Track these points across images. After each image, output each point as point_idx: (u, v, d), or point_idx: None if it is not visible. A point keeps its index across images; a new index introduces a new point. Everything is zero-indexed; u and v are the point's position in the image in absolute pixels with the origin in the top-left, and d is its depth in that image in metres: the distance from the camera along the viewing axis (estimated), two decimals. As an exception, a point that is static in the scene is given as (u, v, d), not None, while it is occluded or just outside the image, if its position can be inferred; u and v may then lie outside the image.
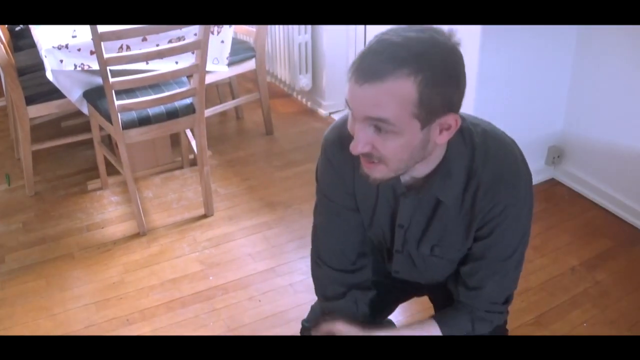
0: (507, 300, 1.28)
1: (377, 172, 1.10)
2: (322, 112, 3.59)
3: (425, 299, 1.58)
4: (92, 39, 2.17)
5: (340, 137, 1.21)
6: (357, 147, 1.06)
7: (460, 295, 1.27)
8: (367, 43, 1.04)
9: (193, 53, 2.48)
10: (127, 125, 2.44)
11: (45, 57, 2.45)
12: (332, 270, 1.36)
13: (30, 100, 2.66)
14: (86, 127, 2.89)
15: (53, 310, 2.20)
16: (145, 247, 2.52)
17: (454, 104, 1.05)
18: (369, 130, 1.04)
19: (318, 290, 1.42)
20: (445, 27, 1.05)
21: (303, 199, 2.78)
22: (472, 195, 1.16)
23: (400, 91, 0.99)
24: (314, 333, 1.35)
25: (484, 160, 1.15)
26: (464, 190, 1.16)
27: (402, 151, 1.06)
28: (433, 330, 1.26)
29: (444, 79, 1.01)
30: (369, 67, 1.00)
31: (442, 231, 1.23)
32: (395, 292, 1.51)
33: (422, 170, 1.16)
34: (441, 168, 1.15)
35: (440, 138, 1.07)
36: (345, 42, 3.42)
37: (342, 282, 1.36)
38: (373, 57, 1.00)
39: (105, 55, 2.22)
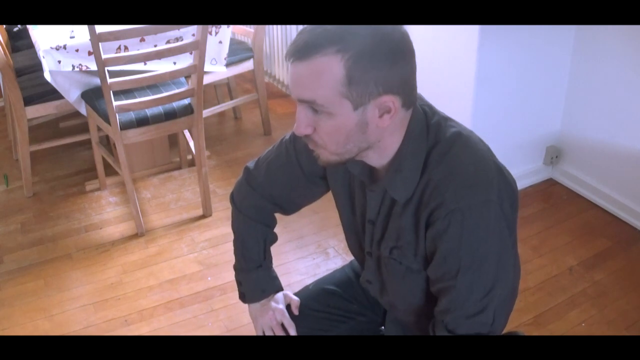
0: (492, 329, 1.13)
1: (322, 155, 1.07)
2: (321, 112, 3.59)
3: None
4: (90, 40, 2.17)
5: None
6: (299, 128, 1.03)
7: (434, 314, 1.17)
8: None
9: (191, 54, 2.48)
10: (125, 126, 2.44)
11: (43, 57, 2.45)
12: (263, 200, 1.37)
13: (28, 101, 2.66)
14: (84, 128, 2.89)
15: (51, 311, 2.20)
16: (143, 247, 2.52)
17: (390, 85, 0.98)
18: (307, 111, 1.01)
19: (238, 196, 1.41)
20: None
21: (301, 199, 2.78)
22: (421, 192, 1.07)
23: (326, 70, 0.95)
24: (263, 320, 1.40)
25: (441, 156, 1.06)
26: (416, 187, 1.08)
27: (337, 134, 1.01)
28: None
29: (375, 57, 0.95)
30: (301, 44, 0.97)
31: (399, 230, 1.14)
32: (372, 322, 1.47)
33: (376, 160, 1.11)
34: (394, 161, 1.09)
35: (382, 122, 1.02)
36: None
37: (267, 212, 1.40)
38: (304, 35, 0.98)
39: (103, 56, 2.22)
